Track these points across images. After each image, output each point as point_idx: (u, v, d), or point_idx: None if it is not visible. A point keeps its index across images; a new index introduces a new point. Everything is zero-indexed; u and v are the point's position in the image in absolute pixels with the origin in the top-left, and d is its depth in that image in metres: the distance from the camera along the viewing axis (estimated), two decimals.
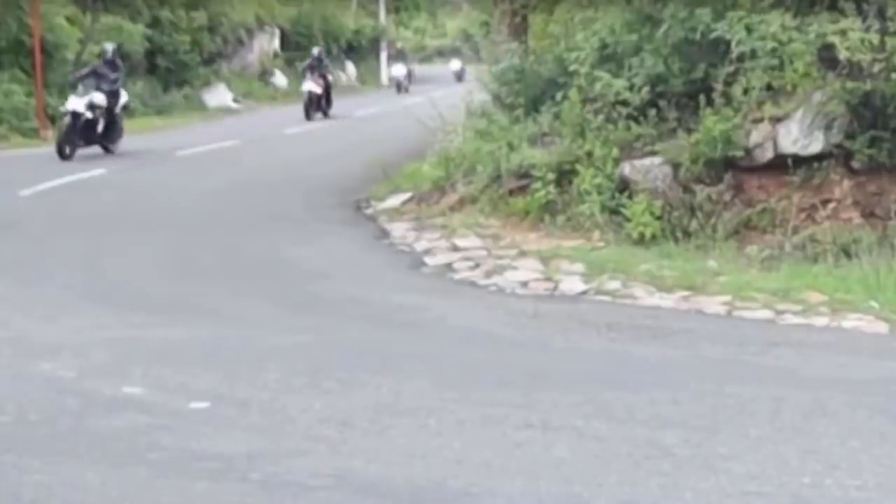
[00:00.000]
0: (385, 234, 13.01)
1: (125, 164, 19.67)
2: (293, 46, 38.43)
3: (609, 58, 12.83)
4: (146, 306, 9.34)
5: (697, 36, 12.04)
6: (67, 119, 19.94)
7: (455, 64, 50.25)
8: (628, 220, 11.49)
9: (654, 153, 11.90)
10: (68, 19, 27.04)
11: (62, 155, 19.53)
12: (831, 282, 9.75)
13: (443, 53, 63.36)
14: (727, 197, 11.48)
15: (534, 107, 13.79)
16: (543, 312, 9.27)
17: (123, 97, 21.35)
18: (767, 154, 11.48)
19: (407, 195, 14.92)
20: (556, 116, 13.05)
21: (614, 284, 10.03)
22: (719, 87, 11.63)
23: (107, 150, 20.72)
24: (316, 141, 24.07)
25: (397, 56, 46.47)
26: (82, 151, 20.10)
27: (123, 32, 28.50)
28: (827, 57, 11.37)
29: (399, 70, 44.28)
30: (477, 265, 11.02)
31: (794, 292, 9.54)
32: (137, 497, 5.01)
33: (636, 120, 12.14)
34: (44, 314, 9.02)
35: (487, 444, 5.86)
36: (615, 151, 11.99)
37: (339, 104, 30.75)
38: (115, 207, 14.98)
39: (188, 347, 7.89)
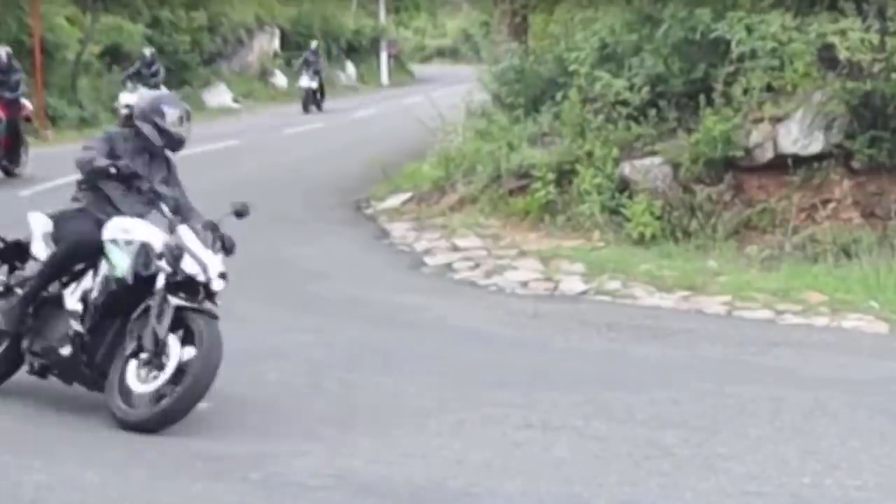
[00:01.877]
0: (385, 234, 13.01)
1: None
2: (293, 46, 38.40)
3: (609, 58, 12.83)
4: None
5: (697, 36, 12.03)
6: None
7: (305, 80, 30.49)
8: (628, 220, 11.50)
9: (654, 153, 11.90)
10: (68, 19, 26.99)
11: None
12: (831, 282, 9.76)
13: (443, 53, 63.35)
14: (727, 197, 11.48)
15: (534, 107, 13.79)
16: (543, 312, 9.28)
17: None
18: (767, 154, 11.47)
19: (407, 195, 14.92)
20: (556, 116, 13.05)
21: (614, 284, 10.04)
22: (719, 87, 11.63)
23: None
24: (316, 141, 24.06)
25: (308, 60, 30.75)
26: None
27: (123, 32, 28.47)
28: (827, 57, 11.36)
29: (306, 81, 30.33)
30: (477, 265, 11.03)
31: (794, 292, 9.55)
32: (137, 497, 5.02)
33: (636, 120, 12.14)
34: None
35: (487, 444, 5.87)
36: (615, 151, 11.99)
37: (333, 103, 30.51)
38: None
39: None
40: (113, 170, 6.24)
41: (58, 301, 6.34)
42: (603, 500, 5.14)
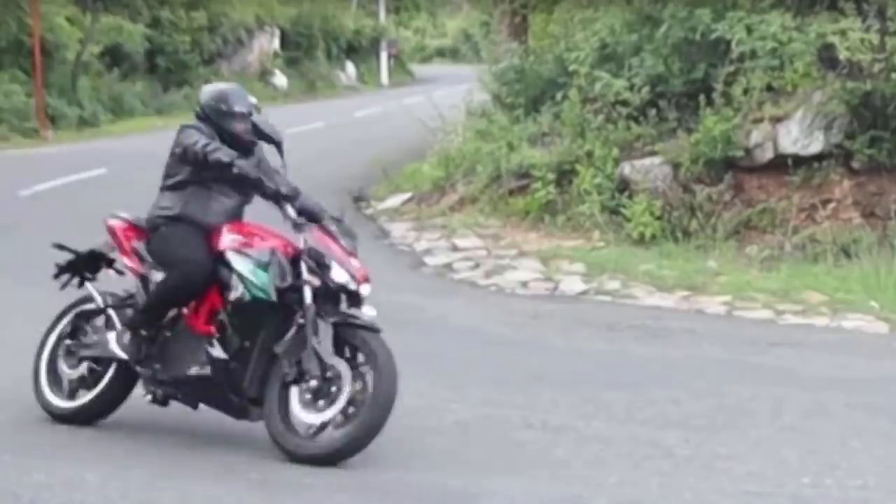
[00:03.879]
0: (385, 234, 13.01)
1: (126, 164, 19.67)
2: (293, 46, 38.43)
3: (609, 58, 12.83)
4: None
5: (697, 36, 12.03)
6: None
7: None
8: (628, 220, 11.50)
9: (654, 153, 11.91)
10: (68, 19, 27.00)
11: None
12: (831, 282, 9.76)
13: (443, 53, 63.34)
14: (727, 197, 11.49)
15: (534, 107, 13.80)
16: (543, 312, 9.27)
17: None
18: (767, 154, 11.47)
19: (407, 195, 14.92)
20: (556, 116, 13.05)
21: (614, 284, 10.04)
22: (719, 87, 11.63)
23: None
24: (316, 140, 24.06)
25: None
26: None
27: (123, 32, 28.49)
28: (827, 57, 11.36)
29: None
30: (477, 265, 11.03)
31: (794, 292, 9.55)
32: (137, 497, 5.02)
33: (636, 120, 12.14)
34: (44, 314, 8.99)
35: (487, 444, 5.87)
36: (615, 151, 11.99)
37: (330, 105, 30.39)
38: (115, 208, 14.92)
39: None
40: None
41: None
42: (603, 500, 5.14)
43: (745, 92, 11.52)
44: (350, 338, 5.44)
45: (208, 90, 6.06)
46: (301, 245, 5.60)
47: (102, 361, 5.96)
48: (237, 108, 5.86)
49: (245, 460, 5.48)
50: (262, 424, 5.59)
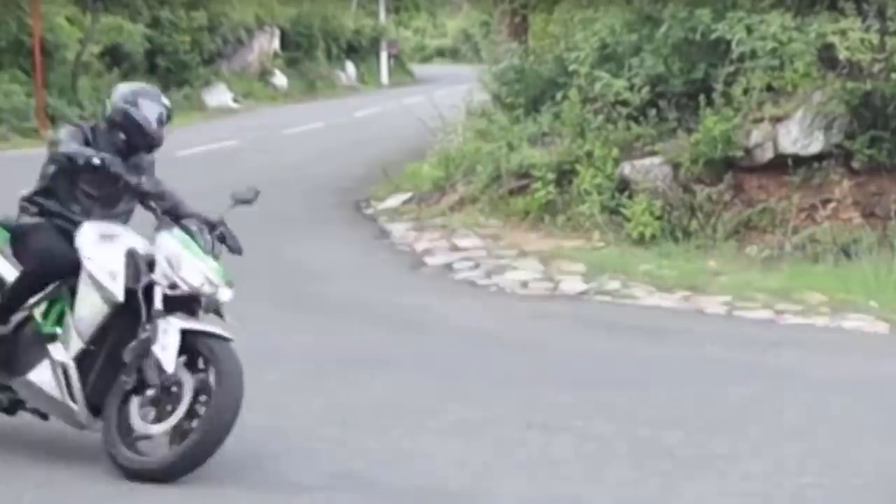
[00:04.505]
0: (385, 234, 13.01)
1: None
2: (293, 46, 38.42)
3: (609, 58, 12.83)
4: None
5: (697, 36, 12.03)
6: None
7: None
8: (628, 220, 11.50)
9: (654, 153, 11.91)
10: (68, 19, 26.99)
11: None
12: (831, 282, 9.76)
13: (443, 53, 63.34)
14: (727, 197, 11.48)
15: (534, 107, 13.79)
16: (543, 312, 9.28)
17: None
18: (767, 154, 11.47)
19: (407, 195, 14.92)
20: (556, 116, 13.05)
21: (614, 284, 10.04)
22: (719, 87, 11.63)
23: None
24: (316, 141, 24.06)
25: None
26: None
27: (123, 32, 28.49)
28: (827, 57, 11.36)
29: None
30: (477, 265, 11.03)
31: (794, 292, 9.55)
32: (138, 497, 5.01)
33: (636, 120, 12.14)
34: None
35: (487, 444, 5.87)
36: (615, 151, 12.00)
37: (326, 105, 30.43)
38: None
39: None
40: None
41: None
42: (603, 500, 5.15)
43: (745, 92, 11.51)
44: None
45: None
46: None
47: None
48: None
49: (245, 460, 5.48)
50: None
